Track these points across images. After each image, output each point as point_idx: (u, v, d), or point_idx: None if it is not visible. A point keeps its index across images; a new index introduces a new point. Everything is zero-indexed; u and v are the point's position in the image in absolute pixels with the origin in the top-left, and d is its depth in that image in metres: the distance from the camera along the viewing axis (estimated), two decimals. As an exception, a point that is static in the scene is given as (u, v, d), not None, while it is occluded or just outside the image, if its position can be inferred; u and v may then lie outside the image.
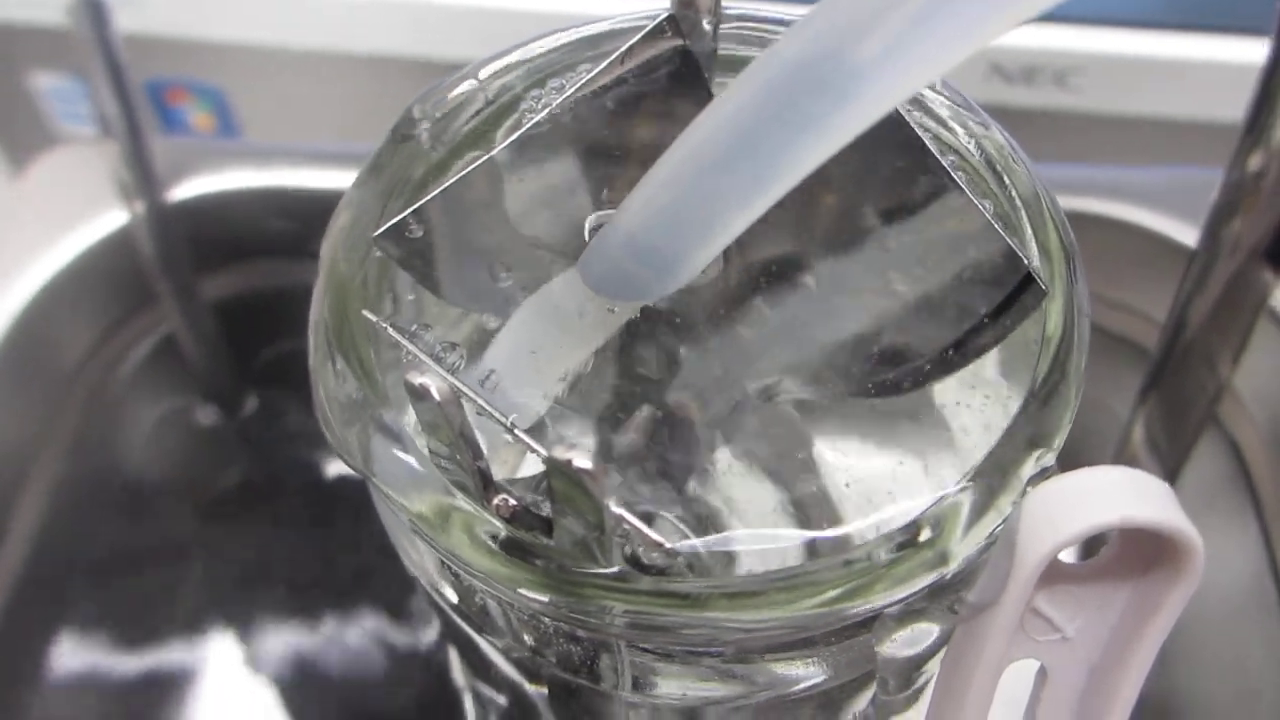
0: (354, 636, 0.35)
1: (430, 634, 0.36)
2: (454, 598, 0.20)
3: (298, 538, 0.37)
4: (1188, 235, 0.30)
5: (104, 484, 0.36)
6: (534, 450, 0.16)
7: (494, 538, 0.17)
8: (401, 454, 0.18)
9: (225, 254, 0.36)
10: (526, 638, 0.19)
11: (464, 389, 0.17)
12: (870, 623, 0.18)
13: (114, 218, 0.34)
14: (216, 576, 0.36)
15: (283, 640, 0.35)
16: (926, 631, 0.18)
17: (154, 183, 0.33)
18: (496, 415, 0.17)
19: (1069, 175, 0.36)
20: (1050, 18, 0.51)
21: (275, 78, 0.56)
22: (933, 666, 0.19)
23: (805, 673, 0.18)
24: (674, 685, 0.19)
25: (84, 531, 0.35)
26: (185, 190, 0.35)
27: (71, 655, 0.34)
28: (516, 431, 0.17)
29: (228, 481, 0.37)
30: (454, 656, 0.28)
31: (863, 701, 0.21)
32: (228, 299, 0.36)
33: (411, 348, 0.18)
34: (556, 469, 0.14)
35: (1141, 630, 0.17)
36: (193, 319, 0.35)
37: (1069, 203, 0.35)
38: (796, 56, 0.15)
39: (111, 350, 0.35)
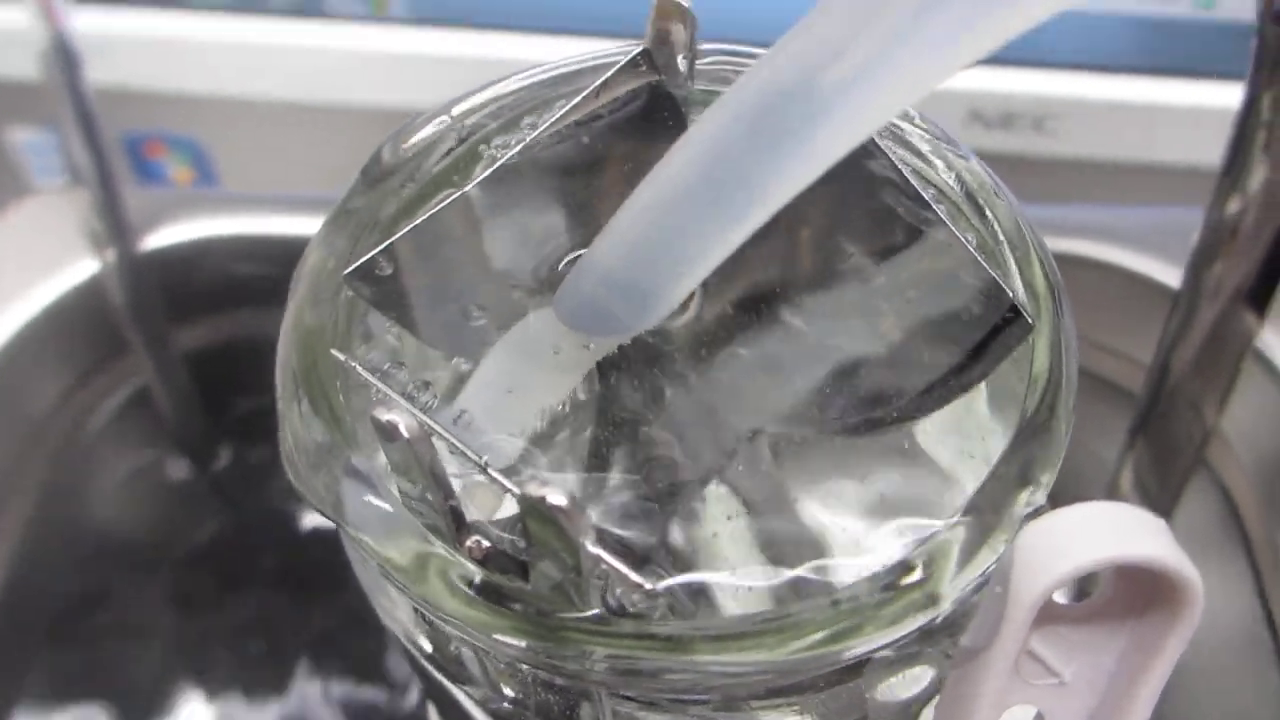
0: (329, 695, 0.34)
1: (407, 695, 0.35)
2: (429, 647, 0.19)
3: (271, 593, 0.36)
4: (1171, 276, 0.30)
5: (72, 536, 0.35)
6: (506, 489, 0.16)
7: (469, 583, 0.16)
8: (372, 499, 0.17)
9: (198, 303, 0.35)
10: (505, 688, 0.18)
11: (435, 426, 0.16)
12: (860, 668, 0.17)
13: (85, 266, 0.34)
14: (186, 631, 0.35)
15: (255, 699, 0.34)
16: (919, 677, 0.17)
17: (126, 230, 0.32)
18: (469, 453, 0.16)
19: (1050, 215, 0.35)
20: (1027, 63, 0.51)
21: (254, 130, 0.56)
22: (927, 715, 0.18)
23: (795, 712, 0.18)
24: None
25: (50, 584, 0.34)
26: (158, 239, 0.34)
27: (37, 709, 0.33)
28: (489, 470, 0.16)
29: (199, 535, 0.36)
30: (433, 715, 0.27)
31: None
32: (201, 349, 0.36)
33: (381, 386, 0.17)
34: (530, 507, 0.14)
35: (1140, 675, 0.17)
36: (165, 369, 0.34)
37: (1051, 244, 0.35)
38: (765, 85, 0.15)
39: (82, 400, 0.35)
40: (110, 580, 0.36)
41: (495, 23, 0.53)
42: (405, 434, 0.14)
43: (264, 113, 0.54)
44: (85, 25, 0.36)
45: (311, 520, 0.37)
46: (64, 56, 0.33)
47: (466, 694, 0.19)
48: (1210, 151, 0.28)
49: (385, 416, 0.14)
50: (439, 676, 0.21)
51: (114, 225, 0.32)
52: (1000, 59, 0.51)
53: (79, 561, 0.35)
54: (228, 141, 0.57)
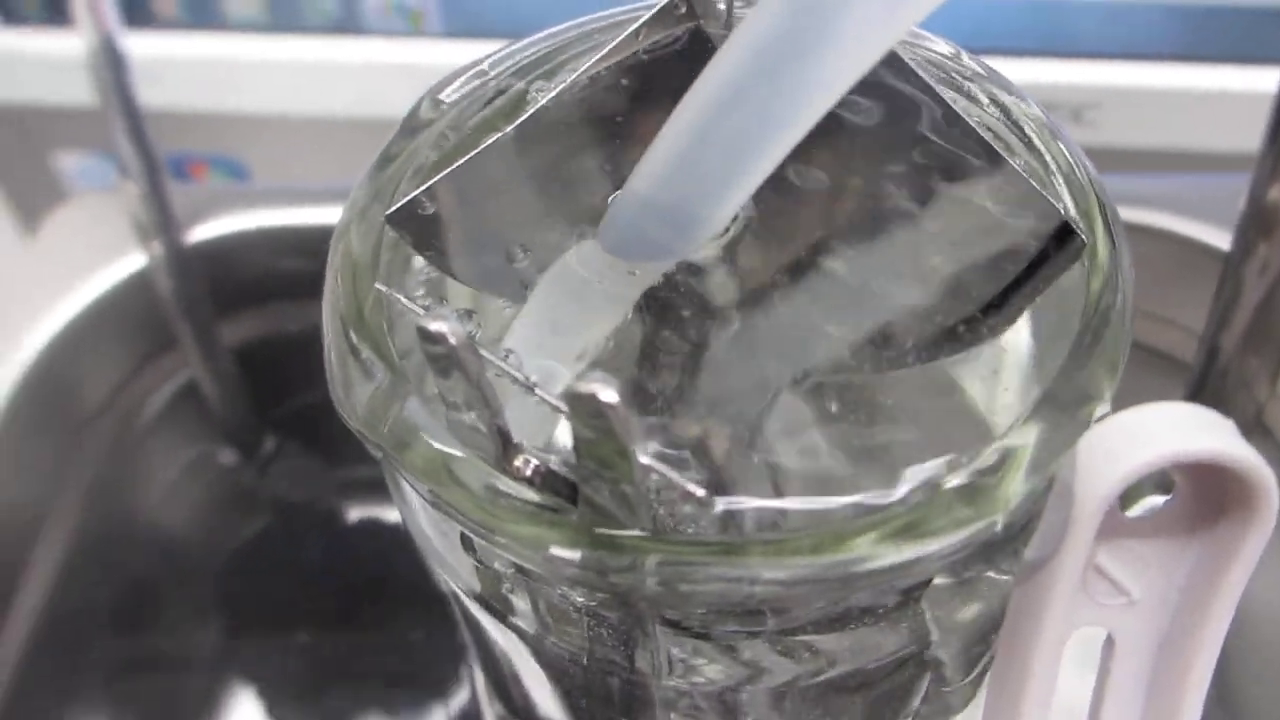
0: (377, 687, 0.34)
1: (452, 695, 0.34)
2: (478, 586, 0.19)
3: (317, 587, 0.36)
4: (1223, 240, 0.29)
5: (123, 529, 0.35)
6: (553, 405, 0.16)
7: (522, 500, 0.16)
8: (423, 424, 0.17)
9: (243, 296, 0.36)
10: (558, 625, 0.18)
11: (479, 348, 0.16)
12: (922, 589, 0.17)
13: (132, 261, 0.34)
14: (237, 625, 0.35)
15: (304, 687, 0.33)
16: (984, 597, 0.17)
17: (172, 223, 0.33)
18: (512, 372, 0.16)
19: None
20: (1065, 53, 0.51)
21: (294, 146, 0.56)
22: (993, 644, 0.18)
23: (853, 646, 0.17)
24: (713, 670, 0.18)
25: (102, 577, 0.34)
26: (201, 233, 0.35)
27: (89, 708, 0.33)
28: (535, 387, 0.16)
29: (250, 529, 0.36)
30: (480, 683, 0.27)
31: (918, 697, 0.20)
32: (246, 342, 0.36)
33: (418, 309, 0.17)
34: (579, 406, 0.14)
35: (1213, 590, 0.16)
36: (213, 362, 0.34)
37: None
38: None
39: (131, 394, 0.35)
40: (161, 573, 0.36)
41: (530, 34, 0.54)
42: (452, 340, 0.14)
43: (303, 129, 0.55)
44: (129, 47, 0.36)
45: (357, 513, 0.37)
46: (112, 55, 0.33)
47: (518, 634, 0.19)
48: (1250, 137, 0.27)
49: (432, 325, 0.14)
50: (490, 628, 0.21)
51: (160, 219, 0.33)
52: (1037, 50, 0.51)
53: (130, 554, 0.35)
54: (268, 158, 0.58)
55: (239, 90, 0.55)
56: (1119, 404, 0.17)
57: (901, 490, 0.16)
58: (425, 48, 0.53)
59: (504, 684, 0.24)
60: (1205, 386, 0.31)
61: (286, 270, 0.35)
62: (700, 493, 0.15)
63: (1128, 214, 0.34)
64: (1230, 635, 0.17)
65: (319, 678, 0.34)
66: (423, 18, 0.53)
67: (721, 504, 0.15)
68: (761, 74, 0.15)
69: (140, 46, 0.52)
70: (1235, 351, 0.30)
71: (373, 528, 0.36)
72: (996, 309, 0.19)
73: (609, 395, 0.13)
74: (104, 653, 0.34)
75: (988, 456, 0.16)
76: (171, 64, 0.54)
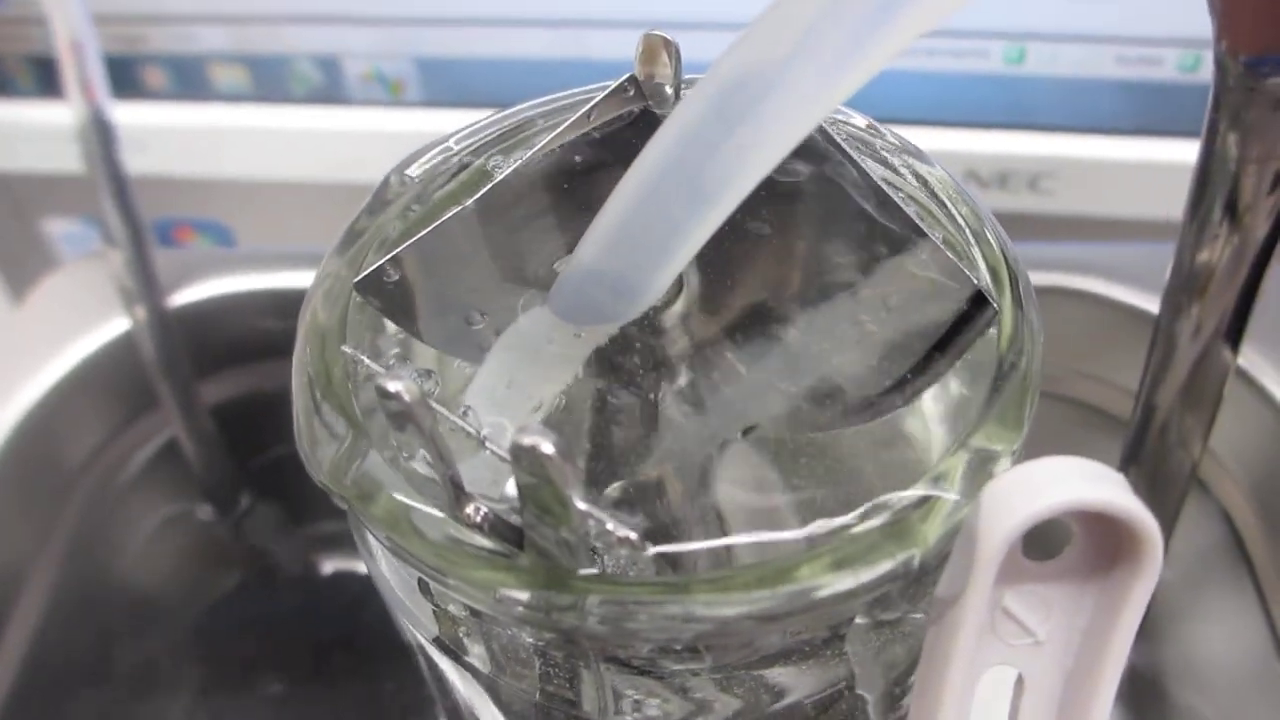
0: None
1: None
2: (436, 629, 0.20)
3: (291, 637, 0.36)
4: (1153, 304, 0.31)
5: (102, 586, 0.36)
6: (498, 454, 0.17)
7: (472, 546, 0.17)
8: (382, 477, 0.18)
9: (223, 358, 0.37)
10: (510, 666, 0.19)
11: (432, 402, 0.17)
12: (844, 630, 0.18)
13: (117, 325, 0.35)
14: (212, 677, 0.36)
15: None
16: (901, 638, 0.18)
17: (155, 287, 0.34)
18: (465, 427, 0.17)
19: (1038, 252, 0.37)
20: (1022, 125, 0.53)
21: (278, 211, 0.58)
22: (912, 682, 0.19)
23: (785, 683, 0.19)
24: (658, 707, 0.19)
25: (81, 632, 0.35)
26: (183, 297, 0.36)
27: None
28: (483, 439, 0.17)
29: (226, 583, 0.37)
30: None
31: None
32: (225, 402, 0.37)
33: (381, 370, 0.18)
34: (521, 457, 0.15)
35: (1110, 631, 0.18)
36: (193, 422, 0.36)
37: (1039, 278, 0.36)
38: (722, 76, 0.16)
39: (113, 454, 0.36)
40: (138, 626, 0.36)
41: (507, 103, 0.56)
42: (406, 397, 0.16)
43: (287, 194, 0.57)
44: (118, 117, 0.38)
45: (331, 565, 0.38)
46: (101, 126, 0.35)
47: (475, 675, 0.20)
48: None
49: (389, 384, 0.16)
50: (450, 673, 0.22)
51: (144, 283, 0.34)
52: (996, 122, 0.53)
53: (109, 608, 0.36)
54: (253, 223, 0.60)
55: (224, 158, 0.56)
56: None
57: (834, 525, 0.17)
58: (405, 116, 0.55)
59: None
60: (1143, 443, 0.32)
61: (266, 331, 0.36)
62: (633, 537, 0.16)
63: (1066, 280, 0.36)
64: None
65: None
66: (402, 87, 0.55)
67: (654, 549, 0.17)
68: (691, 154, 0.17)
69: (130, 116, 0.54)
70: (1171, 409, 0.31)
71: (345, 581, 0.37)
72: (920, 372, 0.20)
73: (547, 447, 0.15)
74: (83, 705, 0.35)
75: (910, 500, 0.17)
76: (159, 133, 0.55)
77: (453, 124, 0.24)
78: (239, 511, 0.38)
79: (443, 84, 0.55)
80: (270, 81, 0.55)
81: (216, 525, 0.37)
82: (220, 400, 0.37)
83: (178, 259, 0.37)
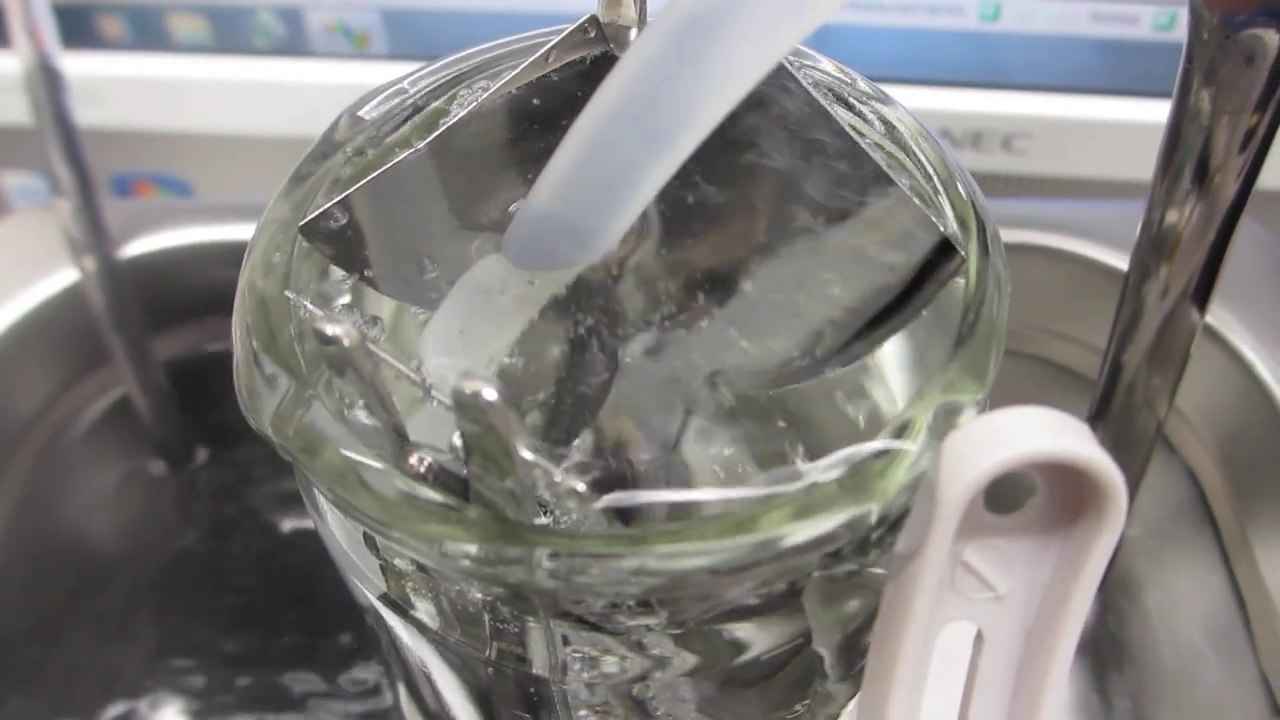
0: (306, 695, 0.34)
1: (387, 693, 0.35)
2: (384, 586, 0.19)
3: (250, 595, 0.36)
4: (1124, 262, 0.30)
5: (52, 542, 0.35)
6: (440, 400, 0.16)
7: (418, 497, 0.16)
8: (324, 426, 0.17)
9: (177, 311, 0.36)
10: (459, 621, 0.19)
11: (373, 346, 0.17)
12: (801, 586, 0.18)
13: (66, 276, 0.34)
14: (165, 639, 0.35)
15: (233, 696, 0.34)
16: (858, 593, 0.18)
17: (105, 237, 0.33)
18: (408, 374, 0.17)
19: (1010, 209, 0.36)
20: (995, 85, 0.52)
21: (240, 166, 0.57)
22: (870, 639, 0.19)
23: (741, 638, 0.18)
24: (609, 662, 0.18)
25: (30, 590, 0.34)
26: (136, 248, 0.35)
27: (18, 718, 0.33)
28: (424, 382, 0.17)
29: (180, 541, 0.36)
30: (405, 707, 0.28)
31: (810, 690, 0.21)
32: (180, 357, 0.36)
33: (320, 313, 0.18)
34: (463, 404, 0.14)
35: (1071, 586, 0.17)
36: (145, 377, 0.35)
37: (1010, 235, 0.35)
38: (675, 14, 0.15)
39: (63, 409, 0.35)
40: (89, 584, 0.36)
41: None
42: (346, 342, 0.15)
43: (249, 149, 0.55)
44: (74, 68, 0.37)
45: (287, 522, 0.38)
46: (48, 75, 0.34)
47: (424, 633, 0.20)
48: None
49: (327, 327, 0.15)
50: (401, 632, 0.21)
51: (93, 232, 0.33)
52: (969, 81, 0.52)
53: (59, 565, 0.36)
54: (214, 178, 0.58)
55: (184, 111, 0.55)
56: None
57: (791, 477, 0.16)
58: (370, 69, 0.54)
59: (418, 690, 0.24)
60: (1110, 400, 0.32)
61: (222, 283, 0.35)
62: (581, 488, 0.16)
63: (1036, 238, 0.36)
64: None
65: (248, 687, 0.34)
66: (368, 40, 0.54)
67: (605, 500, 0.16)
68: (644, 94, 0.16)
69: (87, 67, 0.52)
70: (1139, 367, 0.31)
71: (301, 538, 0.36)
72: (885, 321, 0.20)
73: (490, 394, 0.14)
74: (31, 663, 0.34)
75: (870, 452, 0.17)
76: (117, 84, 0.54)
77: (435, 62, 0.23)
78: (193, 467, 0.37)
79: (409, 36, 0.54)
80: (231, 33, 0.54)
81: (170, 481, 0.37)
82: (175, 354, 0.36)
83: (131, 210, 0.36)
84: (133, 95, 0.54)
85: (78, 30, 0.54)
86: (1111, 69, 0.52)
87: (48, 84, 0.34)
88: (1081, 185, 0.53)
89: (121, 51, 0.55)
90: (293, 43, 0.54)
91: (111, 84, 0.54)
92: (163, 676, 0.34)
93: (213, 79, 0.54)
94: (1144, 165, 0.53)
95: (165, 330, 0.36)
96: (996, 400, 0.19)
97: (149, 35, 0.54)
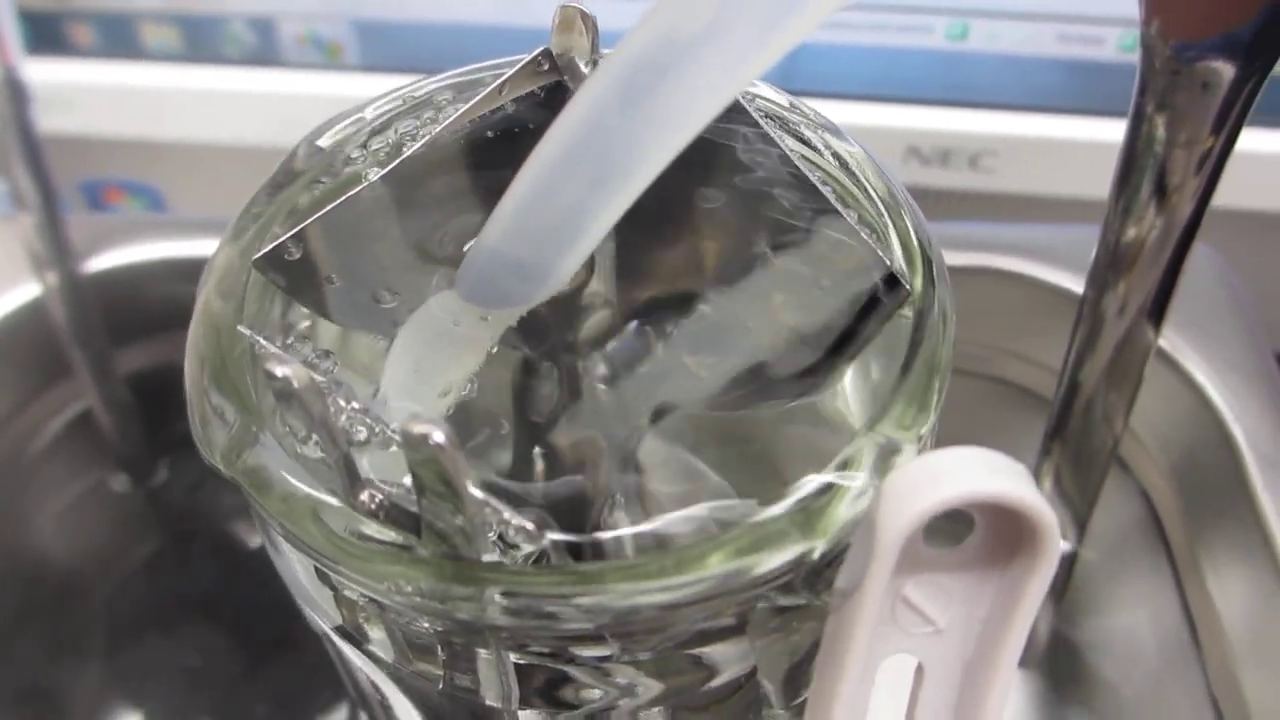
0: (268, 711, 0.34)
1: (340, 708, 0.35)
2: (339, 619, 0.19)
3: (210, 610, 0.36)
4: (1080, 285, 0.31)
5: (13, 561, 0.35)
6: (389, 435, 0.16)
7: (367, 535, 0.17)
8: (275, 463, 0.18)
9: (141, 326, 0.36)
10: (412, 652, 0.19)
11: (323, 383, 0.17)
12: (746, 619, 0.18)
13: (28, 290, 0.34)
14: (126, 656, 0.35)
15: (193, 711, 0.34)
16: (801, 626, 0.18)
17: (67, 251, 0.33)
18: (356, 413, 0.17)
19: (968, 232, 0.37)
20: (963, 103, 0.53)
21: (211, 174, 0.57)
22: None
23: (693, 667, 0.18)
24: (562, 693, 0.19)
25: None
26: (100, 263, 0.35)
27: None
28: (383, 430, 0.17)
29: (141, 554, 0.36)
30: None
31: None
32: (142, 370, 0.36)
33: (275, 350, 0.18)
34: (412, 445, 0.15)
35: (1008, 621, 0.18)
36: (108, 391, 0.35)
37: (968, 259, 0.36)
38: (627, 55, 0.16)
39: (24, 423, 0.35)
40: (50, 599, 0.36)
41: (447, 69, 0.55)
42: (295, 384, 0.15)
43: (221, 157, 0.55)
44: (43, 75, 0.37)
45: (250, 537, 0.38)
46: (13, 89, 0.34)
47: (379, 664, 0.20)
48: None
49: (276, 368, 0.15)
50: (357, 662, 0.21)
51: (55, 247, 0.33)
52: (937, 99, 0.53)
53: (19, 580, 0.36)
54: (185, 187, 0.58)
55: (156, 119, 0.55)
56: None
57: (734, 511, 0.17)
58: (342, 80, 0.54)
59: (375, 717, 0.25)
60: (1067, 419, 0.32)
61: (186, 298, 0.35)
62: (529, 526, 0.16)
63: (995, 261, 0.36)
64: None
65: (208, 702, 0.35)
66: (340, 51, 0.54)
67: (550, 536, 0.16)
68: (595, 134, 0.16)
69: (56, 74, 0.52)
70: (1095, 386, 0.31)
71: (263, 553, 0.36)
72: (833, 354, 0.20)
73: (438, 436, 0.15)
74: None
75: (815, 487, 0.17)
76: (87, 91, 0.54)
77: (390, 89, 0.23)
78: (156, 482, 0.37)
79: (382, 48, 0.54)
80: (202, 42, 0.54)
81: (133, 495, 0.37)
82: (138, 368, 0.36)
83: (95, 224, 0.36)
84: (103, 103, 0.54)
85: (48, 37, 0.54)
86: (1077, 89, 0.53)
87: (11, 96, 0.33)
88: (1048, 203, 0.53)
89: (92, 59, 0.55)
90: (264, 53, 0.54)
91: (81, 91, 0.54)
92: (123, 693, 0.34)
93: (184, 88, 0.54)
94: (1105, 183, 0.54)
95: (128, 344, 0.36)
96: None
97: (119, 43, 0.54)
